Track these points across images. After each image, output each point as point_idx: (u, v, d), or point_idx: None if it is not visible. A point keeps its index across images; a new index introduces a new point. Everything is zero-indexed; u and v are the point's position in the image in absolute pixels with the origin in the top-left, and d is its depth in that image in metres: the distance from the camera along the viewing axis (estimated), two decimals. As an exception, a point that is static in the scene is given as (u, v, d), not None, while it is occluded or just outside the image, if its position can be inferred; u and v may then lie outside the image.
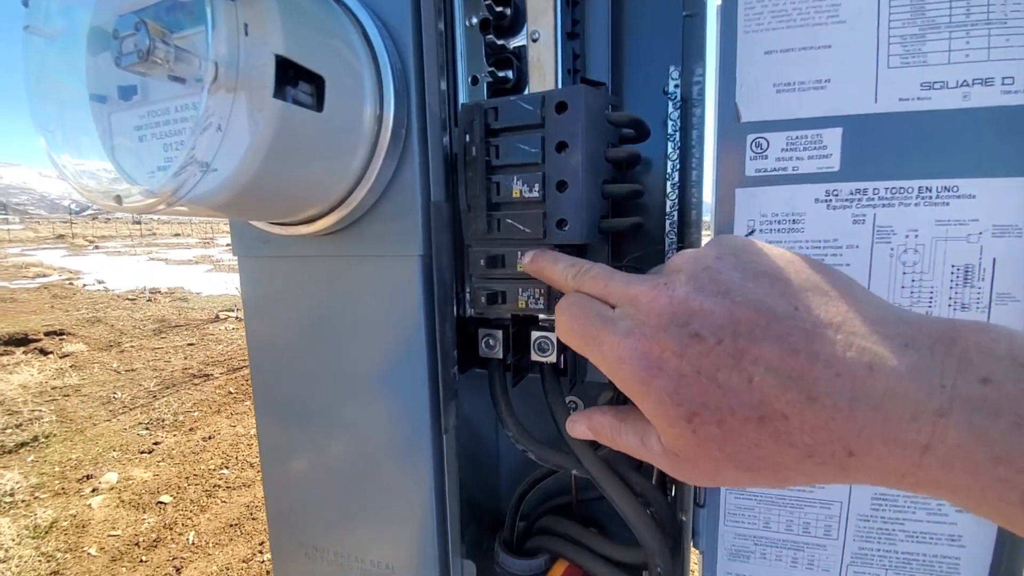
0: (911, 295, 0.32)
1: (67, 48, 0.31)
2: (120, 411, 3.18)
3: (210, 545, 2.02)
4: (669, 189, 0.41)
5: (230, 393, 3.37)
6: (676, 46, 0.42)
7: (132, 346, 4.38)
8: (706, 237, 0.38)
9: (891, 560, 0.35)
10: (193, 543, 2.04)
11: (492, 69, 0.43)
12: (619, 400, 0.47)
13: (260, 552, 1.97)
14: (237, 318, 5.21)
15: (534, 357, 0.43)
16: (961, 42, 0.30)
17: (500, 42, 0.44)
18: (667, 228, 0.42)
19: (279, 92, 0.26)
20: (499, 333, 0.43)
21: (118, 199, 0.27)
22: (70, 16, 0.31)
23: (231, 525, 2.13)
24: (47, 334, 4.48)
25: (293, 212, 0.36)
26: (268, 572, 1.84)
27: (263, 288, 0.43)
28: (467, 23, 0.44)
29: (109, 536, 2.08)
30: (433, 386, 0.38)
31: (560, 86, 0.41)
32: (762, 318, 0.21)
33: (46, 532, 2.09)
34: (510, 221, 0.37)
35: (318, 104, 0.29)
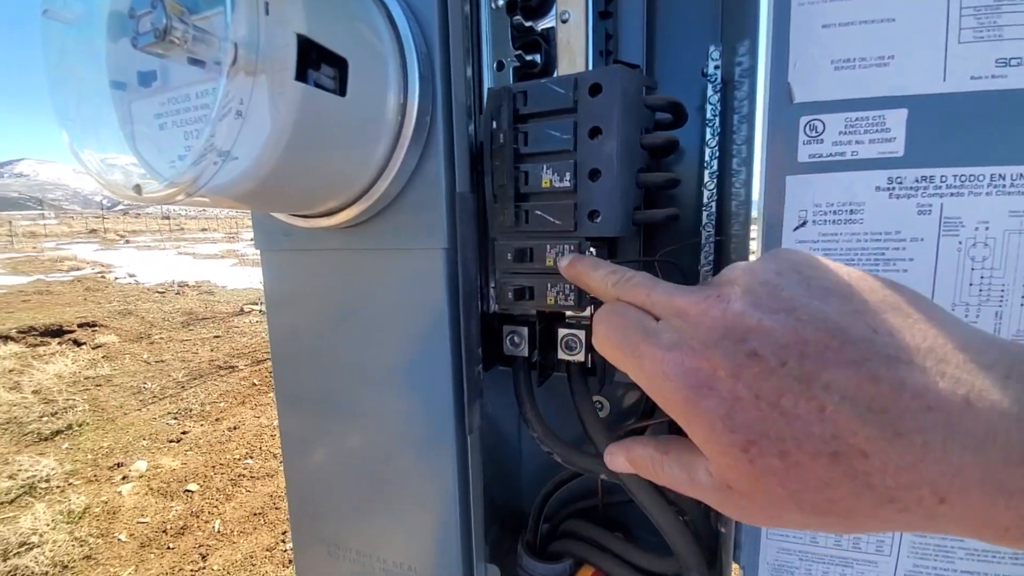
0: (980, 293, 0.29)
1: (86, 34, 0.30)
2: (150, 401, 3.27)
3: (235, 533, 2.07)
4: (707, 178, 0.39)
5: (254, 384, 3.43)
6: (714, 24, 0.39)
7: (161, 338, 4.51)
8: (752, 231, 0.36)
9: (949, 578, 0.33)
10: (219, 531, 2.08)
11: (519, 53, 0.42)
12: (648, 407, 0.45)
13: (283, 541, 2.00)
14: (261, 311, 5.31)
15: (561, 355, 0.41)
16: (1043, 12, 0.27)
17: (528, 24, 0.42)
18: (704, 220, 0.40)
19: (301, 75, 0.25)
20: (524, 330, 0.42)
21: (138, 188, 0.26)
22: (88, 1, 0.30)
23: (255, 514, 2.17)
24: (80, 326, 4.64)
25: (315, 203, 0.35)
26: (290, 561, 1.87)
27: (285, 282, 0.42)
28: (493, 5, 0.42)
29: (138, 523, 2.14)
30: (457, 385, 0.37)
31: (592, 69, 0.39)
32: (834, 340, 0.18)
33: (79, 517, 2.17)
34: (539, 212, 0.35)
35: (341, 88, 0.28)
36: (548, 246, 0.35)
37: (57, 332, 4.47)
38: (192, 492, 2.33)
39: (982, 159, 0.29)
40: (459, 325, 0.36)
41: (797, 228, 0.31)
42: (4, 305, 5.47)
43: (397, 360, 0.38)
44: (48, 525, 2.08)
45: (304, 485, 0.45)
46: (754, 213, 0.33)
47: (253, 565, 1.88)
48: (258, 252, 0.43)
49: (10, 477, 2.35)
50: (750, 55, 0.34)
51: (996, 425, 0.16)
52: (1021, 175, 0.28)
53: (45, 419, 2.96)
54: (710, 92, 0.37)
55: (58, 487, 2.37)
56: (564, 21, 0.40)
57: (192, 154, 0.24)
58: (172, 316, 5.23)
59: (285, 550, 1.96)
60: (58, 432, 2.86)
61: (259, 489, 2.34)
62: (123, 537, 2.05)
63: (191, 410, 3.12)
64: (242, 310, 5.46)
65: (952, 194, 0.29)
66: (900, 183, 0.29)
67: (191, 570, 1.88)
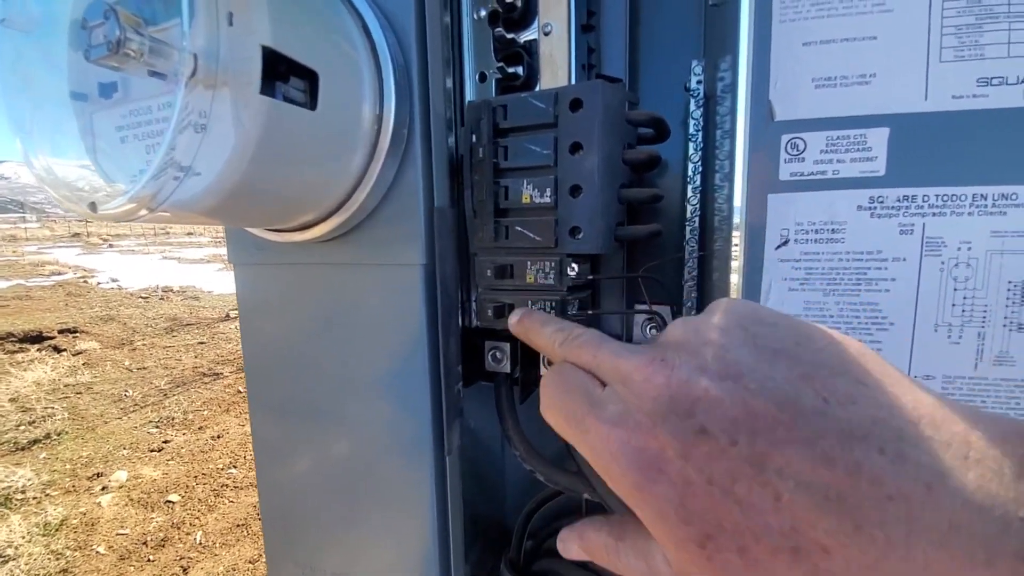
0: (963, 313, 0.29)
1: (44, 41, 0.29)
2: (131, 409, 3.21)
3: (217, 545, 2.02)
4: (690, 193, 0.38)
5: (239, 392, 3.38)
6: (698, 39, 0.39)
7: (144, 344, 4.42)
8: (735, 243, 0.35)
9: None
10: (200, 543, 2.04)
11: (501, 65, 0.41)
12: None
13: (266, 553, 1.96)
14: (247, 317, 5.23)
15: (543, 371, 0.40)
16: (1022, 34, 0.27)
17: (510, 36, 0.41)
18: (687, 235, 0.39)
19: (267, 88, 0.24)
20: (506, 346, 0.41)
21: (92, 206, 0.25)
22: (48, 5, 0.29)
23: (238, 525, 2.13)
24: (61, 332, 4.54)
25: (288, 218, 0.34)
26: None
27: (259, 297, 0.41)
28: (475, 16, 0.42)
29: (118, 535, 2.09)
30: (435, 404, 0.36)
31: (574, 83, 0.38)
32: (784, 413, 0.17)
33: (56, 530, 2.11)
34: (519, 228, 0.34)
35: (311, 102, 0.27)
36: (529, 262, 0.35)
37: (36, 338, 4.37)
38: (173, 503, 2.28)
39: (964, 179, 0.28)
40: (437, 343, 0.35)
41: (779, 247, 0.30)
42: (-18, 310, 5.35)
43: (373, 379, 0.37)
44: (24, 537, 2.02)
45: (278, 506, 0.44)
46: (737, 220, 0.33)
47: (235, 578, 1.84)
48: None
49: (-16, 488, 2.29)
50: (732, 71, 0.34)
51: (959, 517, 0.14)
52: (1003, 195, 0.28)
53: (22, 428, 2.89)
54: (692, 107, 0.37)
55: (34, 498, 2.31)
56: (547, 34, 0.39)
57: (151, 169, 0.23)
58: (155, 322, 5.14)
59: (268, 562, 1.92)
60: (36, 441, 2.79)
61: (242, 499, 2.29)
62: (101, 550, 2.00)
63: (173, 418, 3.06)
64: (228, 316, 5.38)
65: (934, 214, 0.28)
66: (882, 202, 0.28)
67: (171, 584, 1.83)
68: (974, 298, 0.29)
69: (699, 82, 0.37)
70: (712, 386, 0.18)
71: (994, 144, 0.28)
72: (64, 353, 4.13)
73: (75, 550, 2.00)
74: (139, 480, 2.45)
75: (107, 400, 3.33)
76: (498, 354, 0.41)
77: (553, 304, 0.34)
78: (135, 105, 0.26)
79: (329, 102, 0.28)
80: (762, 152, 0.30)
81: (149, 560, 1.95)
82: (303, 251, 0.37)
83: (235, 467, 2.54)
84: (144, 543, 2.04)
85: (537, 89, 0.41)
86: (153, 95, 0.25)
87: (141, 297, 6.50)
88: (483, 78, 0.42)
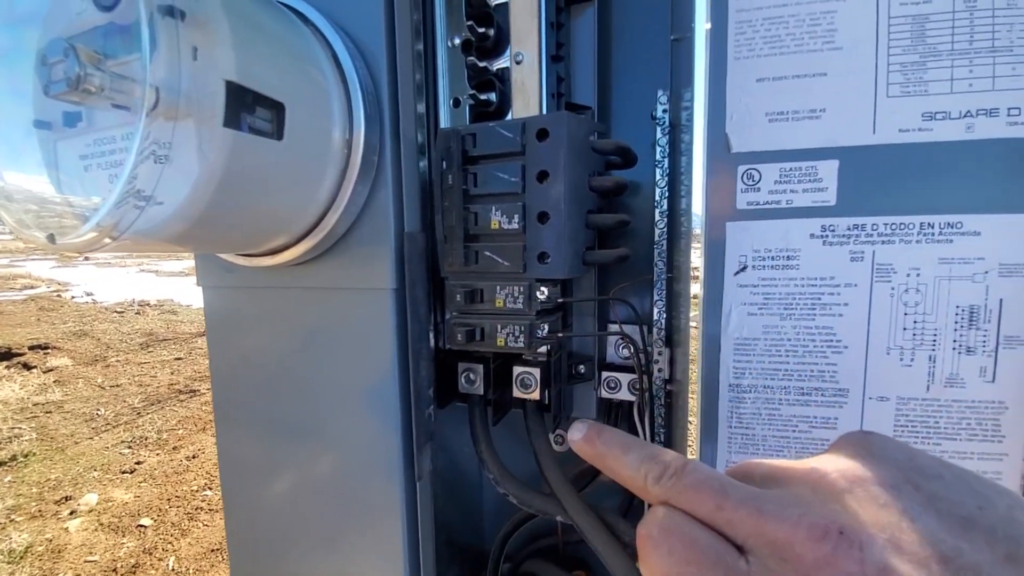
0: (913, 337, 0.30)
1: (12, 69, 0.29)
2: (103, 428, 3.10)
3: (191, 571, 1.95)
4: (658, 217, 0.39)
5: (217, 410, 3.29)
6: (664, 70, 0.40)
7: (118, 360, 4.30)
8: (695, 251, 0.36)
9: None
10: (173, 569, 1.96)
11: (474, 92, 0.42)
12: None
13: (242, 577, 1.90)
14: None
15: (516, 393, 0.40)
16: (964, 70, 0.29)
17: (482, 64, 0.42)
18: (655, 257, 0.40)
19: (231, 120, 0.24)
20: (480, 368, 0.41)
21: (51, 238, 0.25)
22: (14, 34, 0.29)
23: (213, 550, 2.06)
24: (31, 348, 4.39)
25: (256, 244, 0.34)
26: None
27: (227, 320, 0.40)
28: (449, 43, 0.42)
29: (86, 562, 2.00)
30: (406, 430, 0.36)
31: (545, 110, 0.39)
32: None
33: (20, 558, 2.02)
34: (488, 254, 0.34)
35: (278, 132, 0.27)
36: (498, 287, 0.35)
37: (5, 355, 4.22)
38: (145, 527, 2.20)
39: (911, 208, 0.30)
40: (407, 367, 0.36)
41: (737, 272, 0.31)
42: (-53, 327, 5.16)
43: (343, 403, 0.37)
44: (-16, 566, 1.93)
45: (245, 533, 0.43)
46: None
47: (209, 604, 1.78)
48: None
49: (-57, 515, 2.19)
50: (694, 102, 0.35)
51: None
52: (949, 224, 0.30)
53: (-14, 450, 2.77)
54: (659, 134, 0.38)
55: (-3, 524, 2.21)
56: (518, 63, 0.40)
57: (111, 198, 0.23)
58: (131, 337, 5.01)
59: (244, 586, 1.85)
60: (1, 464, 2.68)
61: (217, 523, 2.22)
62: (67, 578, 1.92)
63: (147, 438, 2.96)
64: (205, 334, 5.27)
65: (883, 241, 0.30)
66: (833, 231, 0.29)
67: (141, 612, 1.76)
68: (924, 322, 0.30)
69: (664, 111, 0.38)
70: (905, 571, 0.14)
71: (939, 175, 0.30)
72: (34, 370, 4.00)
73: (40, 578, 1.91)
74: (109, 503, 2.37)
75: (78, 419, 3.22)
76: (471, 375, 0.41)
77: (522, 328, 0.35)
78: (99, 135, 0.26)
79: (297, 131, 0.28)
80: (720, 181, 0.31)
81: (118, 587, 1.87)
82: (273, 275, 0.37)
83: (210, 489, 2.46)
84: (114, 570, 1.96)
85: (509, 116, 0.42)
86: (117, 125, 0.25)
87: (116, 311, 6.33)
88: (457, 104, 0.43)
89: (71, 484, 2.52)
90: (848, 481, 0.16)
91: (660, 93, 0.38)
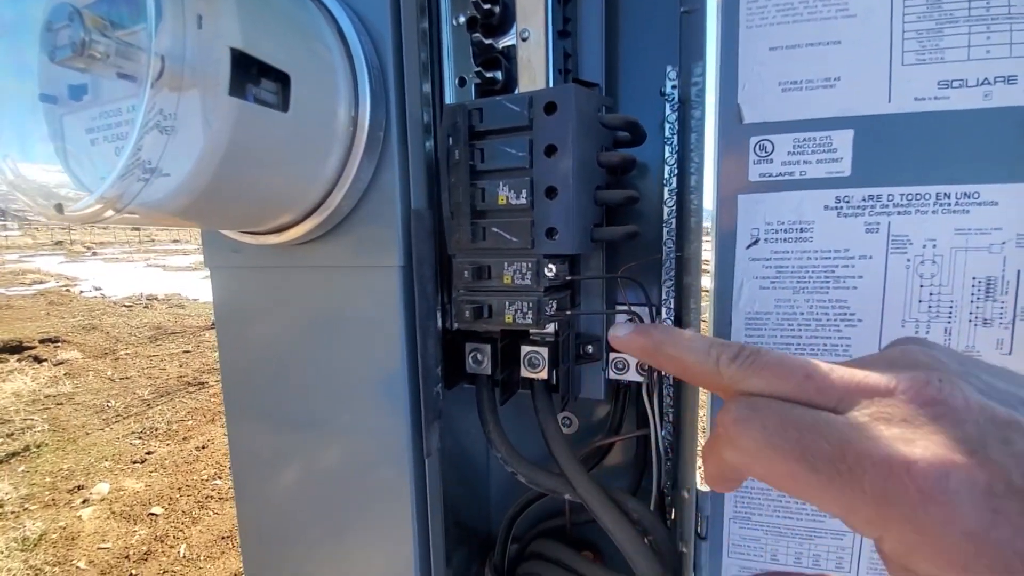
0: (929, 310, 0.30)
1: (16, 44, 0.28)
2: (113, 420, 3.14)
3: (201, 558, 1.98)
4: (667, 195, 0.39)
5: (225, 401, 3.32)
6: (673, 45, 0.40)
7: (127, 353, 4.35)
8: (706, 243, 0.36)
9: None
10: (184, 556, 1.99)
11: (480, 70, 0.41)
12: (617, 423, 0.45)
13: (252, 565, 1.92)
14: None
15: (524, 373, 0.40)
16: (982, 37, 0.28)
17: (488, 41, 0.41)
18: (664, 236, 0.40)
19: (237, 90, 0.24)
20: (487, 348, 0.41)
21: (59, 207, 0.25)
22: (20, 8, 0.28)
23: (223, 537, 2.09)
24: (42, 341, 4.44)
25: (262, 219, 0.34)
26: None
27: (235, 300, 0.40)
28: (454, 22, 0.42)
29: (99, 549, 2.04)
30: (414, 407, 0.36)
31: (548, 88, 0.39)
32: None
33: (35, 544, 2.05)
34: (496, 230, 0.34)
35: (283, 104, 0.27)
36: (506, 264, 0.35)
37: (16, 348, 4.27)
38: (156, 515, 2.23)
39: (927, 178, 0.29)
40: (415, 345, 0.35)
41: (750, 246, 0.31)
42: (-41, 321, 5.22)
43: (351, 382, 0.37)
44: (1, 553, 1.97)
45: (255, 514, 0.43)
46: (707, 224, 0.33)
47: (220, 591, 1.81)
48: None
49: (-41, 503, 2.23)
50: (705, 76, 0.35)
51: None
52: (965, 194, 0.29)
53: (0, 441, 2.81)
54: (668, 111, 0.37)
55: (12, 512, 2.25)
56: (524, 39, 0.40)
57: (116, 170, 0.23)
58: (139, 331, 5.06)
59: (255, 574, 1.88)
60: (14, 454, 2.72)
61: (227, 511, 2.25)
62: (82, 564, 1.95)
63: (157, 429, 3.00)
64: (213, 324, 5.31)
65: (899, 212, 0.29)
66: (848, 202, 0.29)
67: (154, 598, 1.79)
68: (940, 294, 0.30)
69: (674, 87, 0.37)
70: (1003, 412, 0.15)
71: (956, 144, 0.29)
72: (45, 363, 4.05)
73: (55, 565, 1.95)
74: (121, 492, 2.40)
75: (89, 411, 3.26)
76: (479, 356, 0.41)
77: (531, 304, 0.34)
78: (105, 107, 0.26)
79: (302, 104, 0.28)
80: (732, 154, 0.31)
81: (131, 575, 1.90)
82: (279, 253, 0.37)
83: (220, 478, 2.49)
84: (126, 557, 1.99)
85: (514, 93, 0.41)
86: (123, 97, 0.25)
87: (125, 306, 6.39)
88: (462, 82, 0.42)
89: (83, 474, 2.56)
90: (926, 357, 0.17)
91: (669, 69, 0.37)
